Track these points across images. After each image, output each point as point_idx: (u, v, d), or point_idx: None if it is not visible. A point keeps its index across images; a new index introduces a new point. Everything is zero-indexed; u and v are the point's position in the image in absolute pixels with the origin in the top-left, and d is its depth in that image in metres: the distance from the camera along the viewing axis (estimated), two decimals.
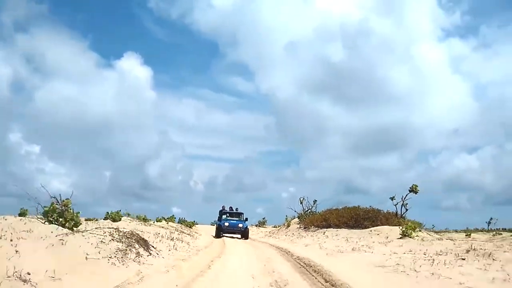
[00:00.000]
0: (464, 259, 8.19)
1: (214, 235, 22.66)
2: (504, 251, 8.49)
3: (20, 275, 4.74)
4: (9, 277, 4.65)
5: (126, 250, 7.41)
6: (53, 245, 6.27)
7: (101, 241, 7.19)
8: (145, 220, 20.68)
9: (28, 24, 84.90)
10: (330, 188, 67.57)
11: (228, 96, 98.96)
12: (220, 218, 23.84)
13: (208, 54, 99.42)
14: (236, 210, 24.75)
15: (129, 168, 68.73)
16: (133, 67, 71.92)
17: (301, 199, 27.23)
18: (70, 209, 9.23)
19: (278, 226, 30.99)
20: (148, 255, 8.12)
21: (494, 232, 21.07)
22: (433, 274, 7.15)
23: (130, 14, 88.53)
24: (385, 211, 19.56)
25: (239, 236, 22.71)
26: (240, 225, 22.68)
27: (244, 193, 74.76)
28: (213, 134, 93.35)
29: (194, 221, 31.62)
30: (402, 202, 18.48)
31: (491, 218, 25.23)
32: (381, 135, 68.92)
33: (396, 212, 18.89)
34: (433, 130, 72.73)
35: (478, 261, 7.83)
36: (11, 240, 6.12)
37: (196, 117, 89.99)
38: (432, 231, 18.72)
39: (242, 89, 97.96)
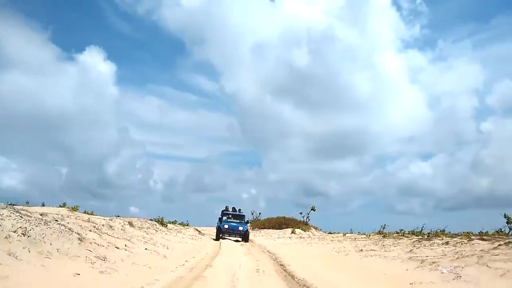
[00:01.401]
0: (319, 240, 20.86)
1: (214, 237, 22.92)
2: (356, 239, 21.33)
3: None
4: None
5: None
6: None
7: None
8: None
9: None
10: (291, 190, 70.15)
11: (192, 95, 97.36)
12: (221, 219, 23.67)
13: (174, 52, 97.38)
14: (239, 211, 24.85)
15: (87, 165, 66.45)
16: (95, 62, 70.42)
17: (252, 211, 39.46)
18: None
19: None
20: None
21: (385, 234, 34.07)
22: (308, 243, 19.59)
23: (95, 7, 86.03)
24: (299, 219, 32.73)
25: (239, 238, 22.78)
26: (240, 228, 22.63)
27: (204, 193, 75.33)
28: (175, 132, 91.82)
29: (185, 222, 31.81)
30: (307, 215, 31.75)
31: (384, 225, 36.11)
32: (341, 140, 71.47)
33: (305, 220, 32.09)
34: (390, 136, 75.38)
35: (326, 241, 20.48)
36: None
37: (158, 115, 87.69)
38: (326, 232, 31.93)
39: (206, 89, 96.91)
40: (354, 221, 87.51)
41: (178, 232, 21.44)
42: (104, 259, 7.87)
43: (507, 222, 18.52)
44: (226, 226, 22.53)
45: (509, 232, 16.48)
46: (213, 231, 25.19)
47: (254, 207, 66.22)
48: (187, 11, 75.92)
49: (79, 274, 6.34)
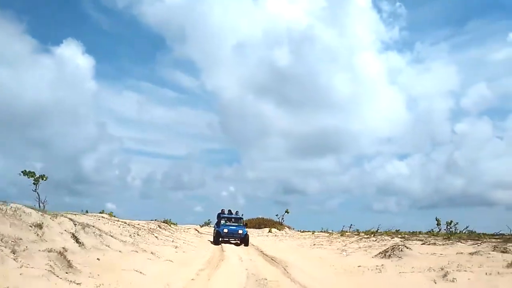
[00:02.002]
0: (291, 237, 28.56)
1: (212, 241, 22.40)
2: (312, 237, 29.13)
3: None
4: None
5: None
6: None
7: None
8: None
9: None
10: (270, 188, 73.58)
11: (172, 91, 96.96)
12: (218, 223, 22.86)
13: (154, 48, 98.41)
14: (236, 213, 24.29)
15: (63, 161, 65.13)
16: (73, 55, 69.35)
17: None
18: None
19: None
20: None
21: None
22: (280, 240, 27.22)
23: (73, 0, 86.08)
24: (275, 220, 40.44)
25: (238, 242, 21.90)
26: (240, 231, 22.04)
27: (183, 191, 76.34)
28: (153, 129, 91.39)
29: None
30: (282, 216, 39.49)
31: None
32: (320, 139, 72.82)
33: (280, 221, 39.87)
34: (369, 136, 77.42)
35: (289, 238, 28.17)
36: None
37: (137, 110, 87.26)
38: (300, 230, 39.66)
39: (186, 85, 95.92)
40: (332, 219, 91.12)
41: (184, 231, 28.68)
42: (176, 247, 15.22)
43: (437, 224, 25.83)
44: (225, 230, 21.84)
45: (438, 231, 22.86)
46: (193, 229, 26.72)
47: (233, 205, 69.87)
48: (168, 7, 76.95)
49: (176, 252, 13.68)
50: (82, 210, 19.46)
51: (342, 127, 72.65)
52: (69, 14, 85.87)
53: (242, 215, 24.71)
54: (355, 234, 26.18)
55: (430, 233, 22.52)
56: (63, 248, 7.37)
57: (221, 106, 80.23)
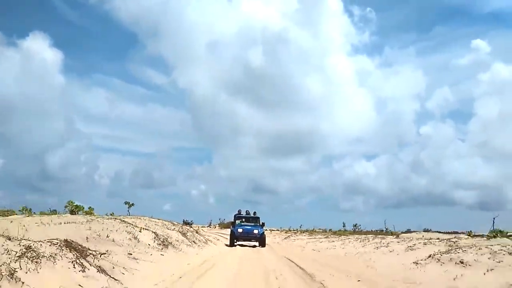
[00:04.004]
0: None
1: (228, 243, 21.62)
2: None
3: None
4: None
5: None
6: None
7: None
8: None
9: None
10: (241, 187, 72.64)
11: (142, 88, 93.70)
12: (234, 224, 22.24)
13: (126, 44, 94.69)
14: (254, 214, 23.24)
15: (26, 157, 62.21)
16: (40, 48, 65.50)
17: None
18: None
19: (209, 226, 50.85)
20: None
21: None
22: None
23: None
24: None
25: (256, 244, 21.28)
26: (256, 231, 21.17)
27: (153, 189, 74.57)
28: (123, 126, 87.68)
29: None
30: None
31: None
32: (291, 139, 72.49)
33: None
34: (338, 137, 79.06)
35: None
36: None
37: (106, 106, 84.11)
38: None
39: (157, 82, 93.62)
40: (302, 217, 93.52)
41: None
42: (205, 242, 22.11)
43: (343, 225, 32.80)
44: (240, 230, 21.07)
45: (385, 230, 28.30)
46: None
47: (204, 203, 71.02)
48: (142, 3, 75.11)
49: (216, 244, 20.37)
50: (49, 209, 18.47)
51: (313, 128, 72.78)
52: (37, 6, 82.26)
53: (255, 213, 23.70)
54: (320, 232, 33.13)
55: (340, 231, 29.56)
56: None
57: (193, 104, 78.83)
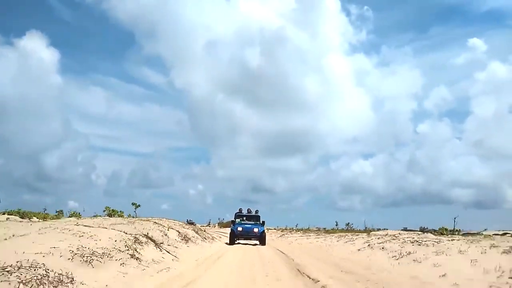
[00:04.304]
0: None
1: (228, 242, 21.79)
2: None
3: None
4: None
5: None
6: None
7: None
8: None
9: None
10: (238, 187, 74.87)
11: (140, 88, 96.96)
12: (234, 222, 22.40)
13: (123, 43, 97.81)
14: (256, 212, 23.27)
15: (24, 157, 63.50)
16: (37, 48, 66.32)
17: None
18: None
19: (208, 226, 57.64)
20: None
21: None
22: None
23: None
24: None
25: (257, 242, 21.46)
26: (256, 229, 21.27)
27: (150, 189, 76.62)
28: (120, 126, 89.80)
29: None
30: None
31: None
32: (289, 139, 73.69)
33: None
34: (336, 137, 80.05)
35: None
36: None
37: (103, 106, 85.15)
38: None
39: (155, 82, 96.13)
40: (299, 216, 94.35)
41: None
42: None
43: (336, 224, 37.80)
44: (239, 229, 21.44)
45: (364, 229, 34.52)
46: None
47: (201, 203, 73.11)
48: (140, 3, 76.11)
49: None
50: (45, 210, 20.10)
51: (311, 127, 73.71)
52: (33, 5, 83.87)
53: (256, 212, 23.80)
54: (315, 231, 37.98)
55: (332, 230, 33.83)
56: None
57: (190, 104, 79.84)
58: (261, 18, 73.61)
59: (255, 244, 21.49)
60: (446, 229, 22.16)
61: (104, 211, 21.19)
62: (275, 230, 49.43)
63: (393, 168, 69.90)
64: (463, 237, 12.93)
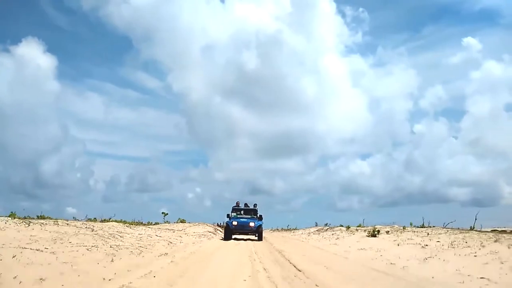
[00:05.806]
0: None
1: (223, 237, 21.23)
2: None
3: None
4: None
5: None
6: None
7: None
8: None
9: None
10: (237, 189, 70.91)
11: (136, 93, 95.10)
12: (230, 216, 21.62)
13: (119, 49, 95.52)
14: (254, 206, 22.64)
15: (21, 164, 62.68)
16: (33, 54, 64.80)
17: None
18: None
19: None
20: None
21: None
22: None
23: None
24: None
25: (253, 236, 21.05)
26: (252, 223, 20.70)
27: (148, 193, 74.03)
28: (117, 130, 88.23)
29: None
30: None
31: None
32: (286, 140, 73.38)
33: None
34: (333, 137, 77.52)
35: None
36: None
37: (100, 111, 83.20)
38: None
39: (152, 87, 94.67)
40: (298, 217, 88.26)
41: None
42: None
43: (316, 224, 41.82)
44: (234, 223, 20.92)
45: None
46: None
47: (200, 206, 70.47)
48: (136, 8, 74.65)
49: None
50: (41, 213, 18.75)
51: (308, 128, 73.78)
52: (29, 12, 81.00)
53: (255, 205, 23.05)
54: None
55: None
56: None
57: (187, 108, 79.20)
58: (257, 21, 73.66)
59: (248, 239, 21.72)
60: (423, 225, 25.65)
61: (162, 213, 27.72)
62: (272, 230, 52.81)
63: (391, 167, 70.16)
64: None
